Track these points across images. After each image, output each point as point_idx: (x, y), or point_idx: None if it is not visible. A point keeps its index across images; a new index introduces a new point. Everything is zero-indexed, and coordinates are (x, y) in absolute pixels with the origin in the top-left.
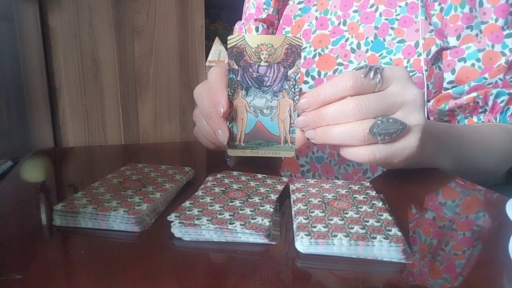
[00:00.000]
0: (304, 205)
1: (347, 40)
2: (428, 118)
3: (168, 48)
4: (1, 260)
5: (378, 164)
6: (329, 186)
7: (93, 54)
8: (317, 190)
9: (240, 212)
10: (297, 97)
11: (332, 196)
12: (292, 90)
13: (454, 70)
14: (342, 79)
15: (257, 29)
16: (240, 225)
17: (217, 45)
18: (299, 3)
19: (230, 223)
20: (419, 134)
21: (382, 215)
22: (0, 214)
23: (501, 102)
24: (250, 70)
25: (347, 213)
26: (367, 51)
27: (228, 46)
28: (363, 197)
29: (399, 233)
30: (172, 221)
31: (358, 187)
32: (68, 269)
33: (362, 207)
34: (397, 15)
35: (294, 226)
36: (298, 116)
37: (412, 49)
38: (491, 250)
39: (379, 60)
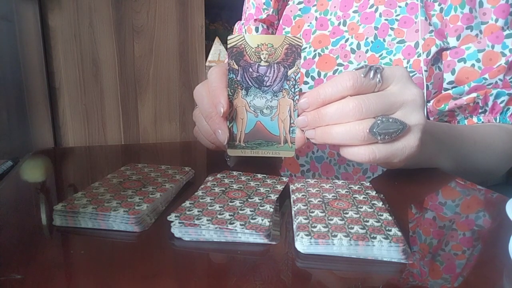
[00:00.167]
0: (304, 205)
1: (347, 40)
2: (428, 119)
3: (168, 48)
4: (1, 260)
5: (378, 164)
6: (329, 186)
7: (93, 54)
8: (317, 190)
9: (240, 212)
10: (297, 97)
11: (332, 196)
12: (292, 90)
13: (454, 71)
14: (342, 79)
15: (257, 30)
16: (240, 225)
17: (217, 45)
18: (299, 3)
19: (230, 223)
20: (419, 134)
21: (382, 215)
22: (0, 214)
23: (501, 102)
24: (250, 70)
25: (347, 213)
26: (367, 51)
27: (228, 46)
28: (363, 197)
29: (399, 233)
30: (172, 221)
31: (358, 187)
32: (68, 269)
33: (362, 207)
34: (397, 15)
35: (294, 226)
36: (298, 116)
37: (412, 50)
38: (491, 250)
39: (379, 60)
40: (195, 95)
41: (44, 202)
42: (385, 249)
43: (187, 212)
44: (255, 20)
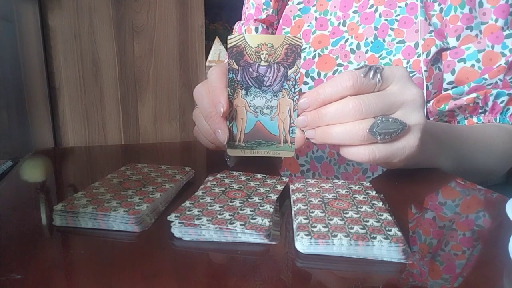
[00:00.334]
0: (304, 205)
1: (346, 40)
2: (428, 119)
3: (168, 48)
4: (1, 260)
5: (378, 164)
6: (329, 186)
7: (93, 54)
8: (317, 190)
9: (240, 212)
10: (297, 97)
11: (332, 196)
12: (292, 90)
13: (454, 71)
14: (342, 79)
15: (256, 30)
16: (240, 225)
17: (217, 45)
18: (299, 3)
19: (230, 223)
20: (419, 134)
21: (382, 215)
22: (0, 214)
23: (501, 102)
24: (250, 69)
25: (347, 213)
26: (366, 51)
27: (228, 46)
28: (363, 197)
29: (399, 233)
30: (172, 221)
31: (358, 187)
32: (68, 269)
33: (362, 207)
34: (396, 15)
35: (294, 226)
36: (298, 116)
37: (412, 50)
38: (491, 250)
39: (378, 61)
40: (195, 95)
41: (44, 202)
42: (385, 249)
43: (187, 212)
44: (255, 20)
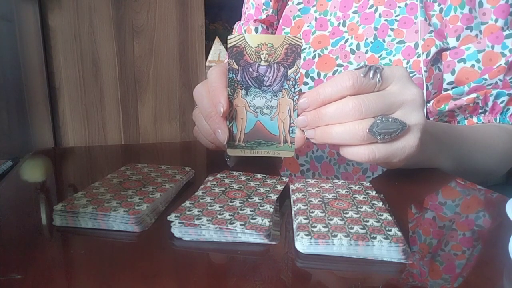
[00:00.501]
0: (304, 205)
1: (346, 41)
2: (428, 119)
3: (168, 48)
4: (1, 260)
5: (377, 163)
6: (329, 186)
7: (93, 54)
8: (317, 190)
9: (240, 212)
10: (297, 96)
11: (332, 196)
12: (292, 90)
13: (454, 71)
14: (342, 79)
15: (256, 30)
16: (240, 225)
17: (217, 45)
18: (299, 3)
19: (230, 223)
20: (418, 134)
21: (382, 215)
22: (0, 214)
23: (501, 102)
24: (250, 69)
25: (347, 213)
26: (366, 52)
27: (228, 46)
28: (363, 197)
29: (399, 233)
30: (172, 221)
31: (358, 187)
32: (68, 269)
33: (362, 207)
34: (396, 16)
35: (294, 226)
36: (298, 116)
37: (412, 50)
38: (491, 250)
39: (378, 61)
40: (195, 95)
41: (44, 202)
42: (385, 249)
43: (187, 212)
44: (255, 20)
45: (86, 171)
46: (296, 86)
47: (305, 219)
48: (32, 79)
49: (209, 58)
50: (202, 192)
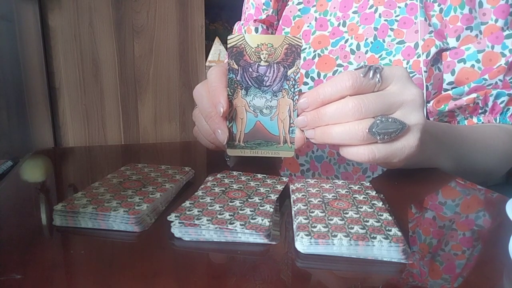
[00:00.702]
0: (304, 205)
1: (346, 41)
2: (428, 119)
3: (168, 48)
4: (1, 260)
5: (377, 163)
6: (329, 186)
7: (93, 54)
8: (317, 190)
9: (240, 212)
10: (297, 97)
11: (332, 196)
12: (292, 90)
13: (454, 71)
14: (342, 79)
15: (256, 30)
16: (240, 225)
17: (217, 45)
18: (299, 4)
19: (230, 223)
20: (418, 134)
21: (382, 215)
22: (0, 214)
23: (501, 103)
24: (250, 69)
25: (347, 213)
26: (366, 52)
27: (228, 46)
28: (363, 197)
29: (399, 233)
30: (172, 221)
31: (358, 187)
32: (68, 269)
33: (362, 207)
34: (396, 16)
35: (294, 226)
36: (298, 116)
37: (412, 50)
38: (491, 250)
39: (378, 61)
40: (195, 95)
41: (44, 202)
42: (385, 249)
43: (187, 212)
44: (255, 20)
45: (86, 171)
46: (296, 86)
47: (305, 219)
48: (32, 79)
49: (209, 58)
50: (202, 192)
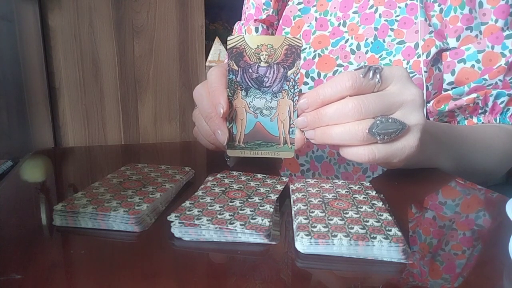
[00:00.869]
0: (304, 205)
1: (346, 41)
2: (428, 119)
3: (168, 48)
4: (1, 260)
5: (377, 164)
6: (329, 186)
7: (93, 54)
8: (317, 190)
9: (240, 212)
10: (297, 97)
11: (332, 196)
12: (292, 90)
13: (454, 71)
14: (341, 79)
15: (256, 30)
16: (240, 225)
17: (217, 45)
18: (299, 4)
19: (230, 223)
20: (418, 134)
21: (382, 215)
22: (0, 214)
23: (501, 103)
24: (250, 70)
25: (347, 213)
26: (366, 52)
27: (228, 47)
28: (363, 197)
29: (399, 233)
30: (172, 221)
31: (358, 187)
32: (68, 269)
33: (362, 207)
34: (396, 16)
35: (294, 226)
36: (298, 116)
37: (412, 51)
38: (491, 250)
39: (378, 61)
40: (195, 96)
41: (44, 202)
42: (385, 249)
43: (187, 212)
44: (255, 20)
45: (86, 171)
46: (296, 87)
47: (305, 219)
48: (32, 79)
49: (209, 58)
50: (202, 192)
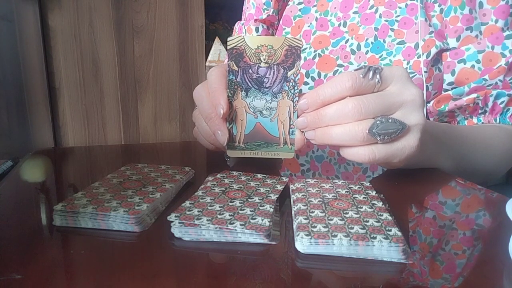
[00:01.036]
0: (304, 205)
1: (347, 41)
2: (428, 119)
3: (168, 48)
4: (1, 260)
5: (378, 164)
6: (329, 186)
7: (93, 54)
8: (317, 190)
9: (240, 212)
10: (297, 98)
11: (332, 196)
12: (292, 91)
13: (454, 72)
14: (341, 80)
15: (257, 30)
16: (240, 225)
17: (217, 45)
18: (299, 4)
19: (230, 223)
20: (418, 134)
21: (382, 215)
22: (0, 214)
23: (501, 103)
24: (250, 71)
25: (347, 213)
26: (367, 52)
27: (228, 47)
28: (363, 197)
29: (399, 233)
30: (172, 221)
31: (358, 187)
32: (68, 269)
33: (362, 207)
34: (397, 16)
35: (294, 226)
36: (298, 117)
37: (412, 51)
38: (491, 250)
39: (379, 61)
40: (195, 96)
41: (44, 202)
42: (385, 249)
43: (187, 212)
44: (255, 20)
45: (86, 171)
46: (296, 88)
47: (305, 219)
48: (32, 79)
49: (209, 58)
50: (202, 192)
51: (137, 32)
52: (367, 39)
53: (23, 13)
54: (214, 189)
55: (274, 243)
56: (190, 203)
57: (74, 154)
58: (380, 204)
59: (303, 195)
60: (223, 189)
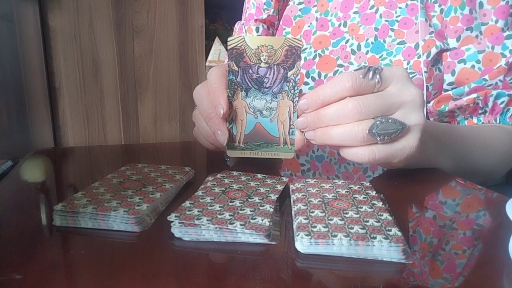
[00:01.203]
0: (304, 205)
1: (347, 41)
2: (428, 119)
3: (168, 48)
4: (1, 260)
5: (378, 164)
6: (329, 186)
7: (93, 54)
8: (317, 190)
9: (240, 212)
10: (297, 98)
11: (332, 196)
12: (292, 91)
13: (454, 72)
14: (341, 80)
15: (257, 30)
16: (240, 225)
17: (217, 45)
18: (299, 3)
19: (230, 223)
20: (418, 134)
21: (382, 215)
22: (0, 214)
23: (501, 103)
24: (250, 71)
25: (347, 213)
26: (367, 52)
27: (228, 47)
28: (363, 197)
29: (399, 233)
30: (172, 221)
31: (358, 187)
32: (68, 269)
33: (362, 207)
34: (397, 16)
35: (294, 226)
36: (298, 117)
37: (412, 51)
38: (491, 250)
39: (379, 61)
40: (195, 96)
41: (44, 202)
42: (385, 249)
43: (187, 212)
44: (256, 20)
45: (86, 171)
46: (296, 88)
47: (305, 219)
48: (32, 79)
49: (209, 58)
50: (202, 192)
51: (137, 32)
52: (367, 39)
53: (23, 13)
54: (214, 189)
55: (274, 243)
56: (190, 203)
57: (74, 154)
58: (380, 204)
59: (303, 195)
60: (223, 189)
